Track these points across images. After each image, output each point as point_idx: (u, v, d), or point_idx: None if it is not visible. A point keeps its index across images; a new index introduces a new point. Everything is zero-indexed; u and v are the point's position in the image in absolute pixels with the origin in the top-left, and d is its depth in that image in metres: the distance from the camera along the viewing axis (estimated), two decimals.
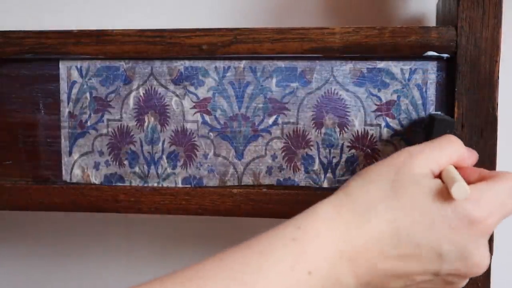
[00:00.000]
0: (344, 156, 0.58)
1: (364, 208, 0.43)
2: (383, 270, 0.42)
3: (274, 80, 0.58)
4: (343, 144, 0.58)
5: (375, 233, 0.42)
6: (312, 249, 0.41)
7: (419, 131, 0.56)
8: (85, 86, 0.61)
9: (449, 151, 0.46)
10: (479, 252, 0.42)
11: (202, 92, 0.59)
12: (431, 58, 0.55)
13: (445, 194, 0.42)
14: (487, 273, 0.55)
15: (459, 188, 0.41)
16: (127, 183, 0.62)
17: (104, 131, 0.61)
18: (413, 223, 0.42)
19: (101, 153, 0.62)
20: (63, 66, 0.62)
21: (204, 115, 0.60)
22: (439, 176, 0.45)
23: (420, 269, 0.42)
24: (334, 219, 0.43)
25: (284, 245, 0.41)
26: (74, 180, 0.63)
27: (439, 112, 0.56)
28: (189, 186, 0.61)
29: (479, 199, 0.42)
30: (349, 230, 0.42)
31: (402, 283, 0.43)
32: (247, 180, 0.60)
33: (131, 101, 0.61)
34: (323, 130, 0.58)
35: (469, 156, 0.48)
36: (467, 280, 0.44)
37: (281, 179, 0.59)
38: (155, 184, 0.61)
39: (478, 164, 0.54)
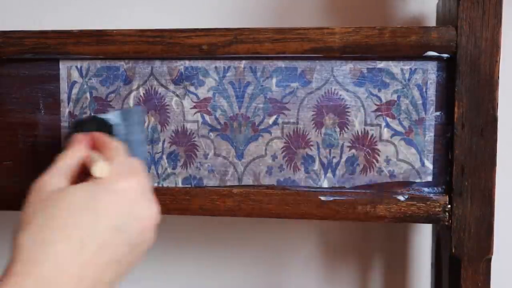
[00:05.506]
0: (344, 156, 0.58)
1: (34, 251, 0.43)
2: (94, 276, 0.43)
3: (274, 80, 0.58)
4: (343, 144, 0.58)
5: (61, 258, 0.42)
6: None
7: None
8: (85, 86, 0.61)
9: (71, 151, 0.51)
10: (144, 207, 0.48)
11: (202, 92, 0.59)
12: (431, 58, 0.55)
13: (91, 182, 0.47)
14: (487, 272, 0.55)
15: (97, 168, 0.47)
16: None
17: None
18: (79, 225, 0.44)
19: None
20: (63, 66, 0.62)
21: (204, 115, 0.60)
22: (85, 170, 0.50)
23: (114, 251, 0.45)
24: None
25: None
26: None
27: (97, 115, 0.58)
28: (189, 186, 0.61)
29: (118, 172, 0.48)
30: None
31: (117, 270, 0.45)
32: (247, 180, 0.60)
33: (131, 101, 0.61)
34: (323, 130, 0.58)
35: (86, 139, 0.52)
36: (152, 234, 0.48)
37: (281, 179, 0.59)
38: (155, 184, 0.61)
39: (478, 164, 0.54)
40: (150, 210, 0.48)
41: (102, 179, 0.47)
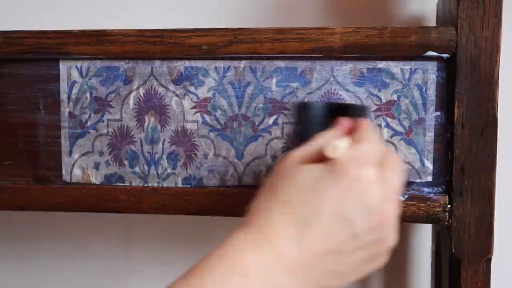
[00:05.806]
0: None
1: (266, 230, 0.43)
2: (319, 262, 0.43)
3: (274, 80, 0.58)
4: None
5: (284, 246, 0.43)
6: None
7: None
8: (85, 86, 0.61)
9: (327, 133, 0.48)
10: (379, 201, 0.43)
11: (202, 92, 0.59)
12: (431, 58, 0.55)
13: (321, 165, 0.44)
14: (487, 272, 0.55)
15: (329, 148, 0.44)
16: (127, 183, 0.62)
17: (104, 131, 0.62)
18: (305, 205, 0.43)
19: (101, 153, 0.62)
20: (63, 66, 0.62)
21: (204, 115, 0.60)
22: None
23: (337, 241, 0.43)
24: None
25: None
26: (74, 180, 0.63)
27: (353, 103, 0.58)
28: (189, 186, 0.61)
29: (355, 157, 0.44)
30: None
31: (338, 263, 0.43)
32: (247, 180, 0.60)
33: (131, 101, 0.61)
34: None
35: (347, 124, 0.49)
36: (391, 235, 0.45)
37: None
38: (155, 184, 0.61)
39: (478, 164, 0.54)
40: (385, 205, 0.44)
41: (336, 163, 0.44)
